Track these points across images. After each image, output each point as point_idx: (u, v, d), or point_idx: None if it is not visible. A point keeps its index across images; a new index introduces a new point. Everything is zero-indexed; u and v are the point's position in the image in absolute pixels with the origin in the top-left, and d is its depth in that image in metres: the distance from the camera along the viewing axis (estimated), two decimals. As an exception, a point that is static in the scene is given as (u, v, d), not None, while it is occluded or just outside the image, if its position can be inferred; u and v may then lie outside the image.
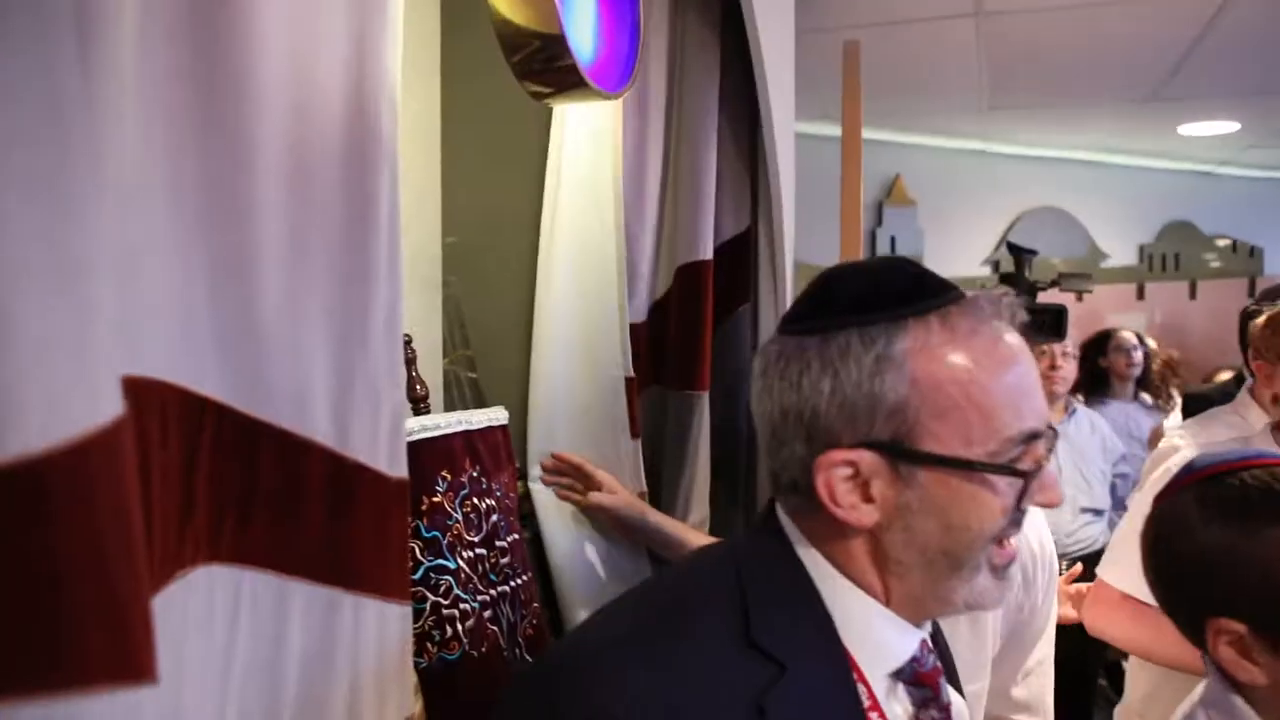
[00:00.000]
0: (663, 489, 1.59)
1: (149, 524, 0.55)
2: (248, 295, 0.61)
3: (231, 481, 0.62)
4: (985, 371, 0.64)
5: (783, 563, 0.67)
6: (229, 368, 0.61)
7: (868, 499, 0.65)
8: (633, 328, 1.43)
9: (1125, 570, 1.47)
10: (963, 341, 0.64)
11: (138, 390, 0.54)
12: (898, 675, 0.68)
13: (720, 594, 0.65)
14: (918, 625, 0.70)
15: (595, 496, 1.35)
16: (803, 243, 2.15)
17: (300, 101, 0.66)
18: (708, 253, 1.61)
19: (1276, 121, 4.47)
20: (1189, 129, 4.60)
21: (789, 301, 1.86)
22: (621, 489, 1.36)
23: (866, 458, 0.64)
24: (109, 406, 0.47)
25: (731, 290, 1.79)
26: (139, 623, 0.49)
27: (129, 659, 0.48)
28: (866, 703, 0.66)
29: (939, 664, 0.72)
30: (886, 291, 0.66)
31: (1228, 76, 3.71)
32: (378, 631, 0.72)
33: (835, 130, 4.38)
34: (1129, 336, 3.55)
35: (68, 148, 0.44)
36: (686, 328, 1.59)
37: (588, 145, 1.34)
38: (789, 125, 1.86)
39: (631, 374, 1.40)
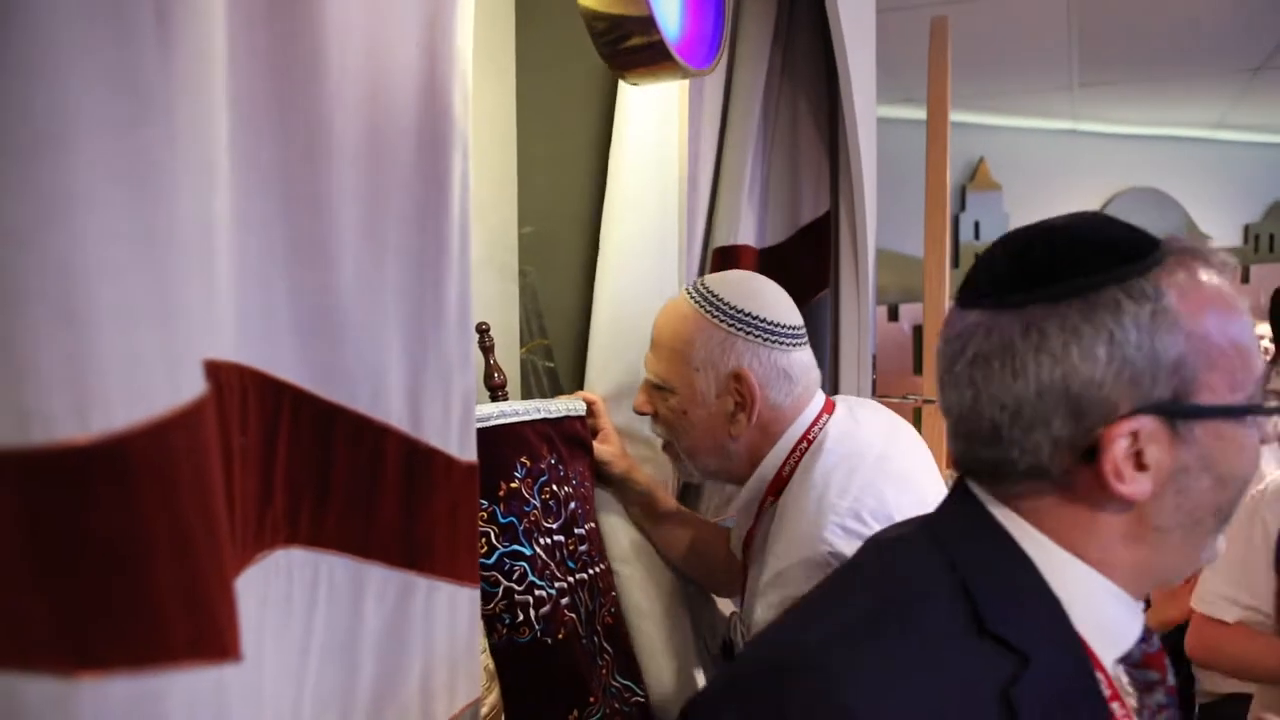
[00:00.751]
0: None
1: (230, 507, 0.55)
2: (322, 278, 0.61)
3: (309, 465, 0.62)
4: (1235, 314, 0.61)
5: (999, 546, 0.63)
6: (305, 352, 0.61)
7: (1141, 467, 0.60)
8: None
9: (1211, 591, 1.42)
10: (1211, 287, 0.61)
11: (218, 373, 0.54)
12: (1124, 659, 0.64)
13: (937, 584, 0.62)
14: (1137, 600, 0.66)
15: None
16: (883, 229, 2.08)
17: (373, 83, 0.65)
18: (746, 237, 1.56)
19: (1401, 89, 4.15)
20: (1301, 100, 4.31)
21: (872, 287, 1.79)
22: (617, 443, 1.30)
23: (1146, 424, 0.59)
24: (191, 386, 0.47)
25: (811, 276, 1.74)
26: (222, 601, 0.49)
27: (213, 637, 0.48)
28: (1107, 692, 0.62)
29: (1161, 644, 0.68)
30: (1112, 245, 0.61)
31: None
32: (449, 614, 0.72)
33: (917, 114, 4.24)
34: None
35: (146, 121, 0.44)
36: None
37: (653, 127, 1.31)
38: (870, 106, 1.80)
39: None
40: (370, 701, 0.67)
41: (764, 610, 0.96)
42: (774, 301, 1.10)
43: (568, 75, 1.51)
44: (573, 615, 1.10)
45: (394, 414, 0.66)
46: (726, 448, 1.10)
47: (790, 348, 1.08)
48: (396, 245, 0.66)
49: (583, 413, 1.24)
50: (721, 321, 1.07)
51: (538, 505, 1.08)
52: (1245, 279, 5.37)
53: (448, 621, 0.72)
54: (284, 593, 0.62)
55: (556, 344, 1.60)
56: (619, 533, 1.30)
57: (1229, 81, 4.12)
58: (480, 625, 0.76)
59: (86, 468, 0.42)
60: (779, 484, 1.08)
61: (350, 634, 0.66)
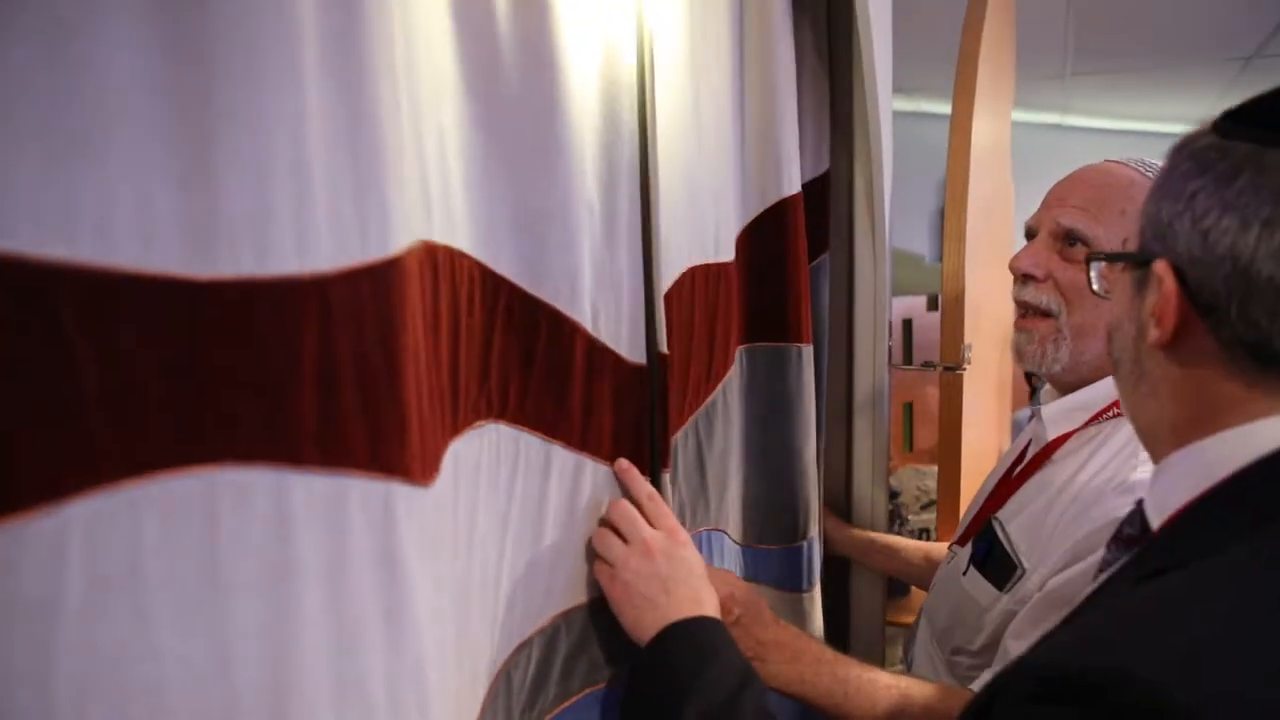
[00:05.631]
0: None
1: (455, 377, 0.66)
2: (524, 188, 0.73)
3: (516, 351, 0.74)
4: None
5: None
6: (517, 251, 0.73)
7: None
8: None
9: None
10: None
11: (453, 260, 0.66)
12: None
13: None
14: None
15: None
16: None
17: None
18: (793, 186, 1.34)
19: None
20: (1292, 92, 4.54)
21: (888, 248, 1.68)
22: None
23: None
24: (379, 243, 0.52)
25: (812, 236, 1.50)
26: (398, 430, 0.53)
27: (386, 456, 0.52)
28: None
29: None
30: None
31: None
32: (610, 494, 0.85)
33: (905, 105, 4.31)
34: None
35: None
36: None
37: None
38: (887, 51, 1.69)
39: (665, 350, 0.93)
40: (549, 566, 0.79)
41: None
42: None
43: None
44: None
45: (582, 313, 0.79)
46: None
47: None
48: (592, 159, 0.78)
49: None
50: None
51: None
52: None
53: (608, 500, 0.85)
54: (493, 463, 0.73)
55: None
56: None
57: (1219, 72, 4.34)
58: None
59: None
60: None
61: (539, 506, 0.78)
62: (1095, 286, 0.74)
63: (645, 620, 0.80)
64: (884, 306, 1.63)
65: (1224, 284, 0.56)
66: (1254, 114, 0.58)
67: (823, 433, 1.49)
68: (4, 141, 0.38)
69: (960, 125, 1.95)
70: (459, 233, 0.67)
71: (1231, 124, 0.59)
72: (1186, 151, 0.61)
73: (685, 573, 0.82)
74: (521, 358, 0.74)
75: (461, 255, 0.68)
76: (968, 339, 1.86)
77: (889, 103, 1.70)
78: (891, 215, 1.74)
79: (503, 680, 0.75)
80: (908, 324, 4.16)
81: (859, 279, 1.59)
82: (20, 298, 0.38)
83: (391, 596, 0.52)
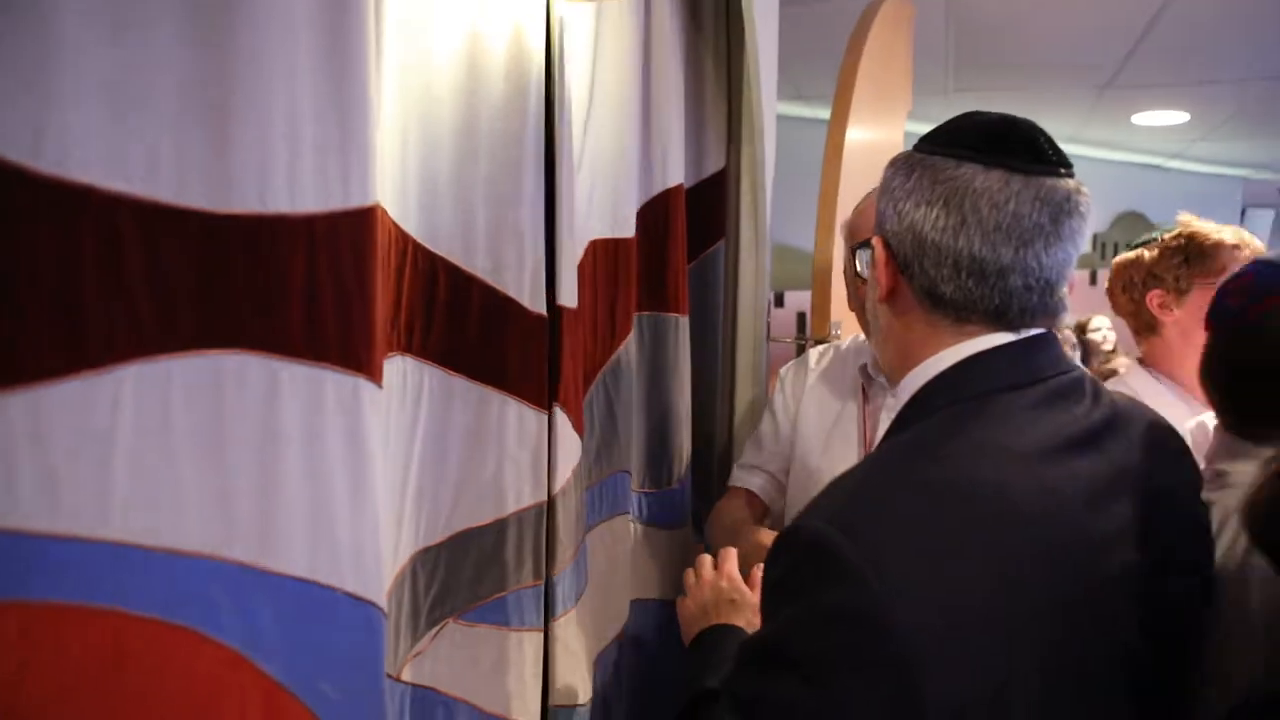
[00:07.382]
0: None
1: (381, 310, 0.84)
2: (429, 161, 0.92)
3: (421, 297, 0.93)
4: None
5: None
6: (420, 214, 0.92)
7: None
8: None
9: None
10: None
11: (382, 215, 0.84)
12: None
13: None
14: None
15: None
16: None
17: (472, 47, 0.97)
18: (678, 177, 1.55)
19: (1223, 112, 4.98)
20: (1142, 118, 5.08)
21: (769, 240, 1.90)
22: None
23: None
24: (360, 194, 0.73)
25: (710, 225, 1.75)
26: (366, 340, 0.72)
27: (353, 357, 0.71)
28: None
29: None
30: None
31: (1178, 65, 4.17)
32: (518, 425, 1.03)
33: (803, 110, 4.67)
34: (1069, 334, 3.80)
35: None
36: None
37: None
38: (772, 62, 1.95)
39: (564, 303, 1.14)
40: (456, 481, 0.99)
41: None
42: None
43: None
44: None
45: (479, 266, 0.98)
46: None
47: None
48: (493, 136, 0.98)
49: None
50: None
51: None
52: (1093, 282, 6.21)
53: (517, 431, 1.03)
54: (400, 389, 0.92)
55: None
56: None
57: (1081, 96, 4.82)
58: (547, 444, 1.05)
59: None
60: None
61: (442, 428, 0.97)
62: (859, 269, 1.01)
63: (691, 630, 1.20)
64: (764, 286, 1.87)
65: (911, 248, 0.83)
66: (930, 135, 0.87)
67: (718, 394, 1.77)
68: (86, 108, 0.55)
69: (835, 132, 2.22)
70: (385, 195, 0.86)
71: (919, 141, 0.88)
72: (892, 161, 0.89)
73: (724, 603, 1.20)
74: (425, 303, 0.93)
75: (383, 212, 0.86)
76: (837, 317, 2.12)
77: (773, 106, 1.97)
78: (789, 214, 2.00)
79: (407, 574, 0.93)
80: (802, 316, 4.44)
81: (742, 263, 1.82)
82: (94, 217, 0.56)
83: (356, 465, 0.71)
